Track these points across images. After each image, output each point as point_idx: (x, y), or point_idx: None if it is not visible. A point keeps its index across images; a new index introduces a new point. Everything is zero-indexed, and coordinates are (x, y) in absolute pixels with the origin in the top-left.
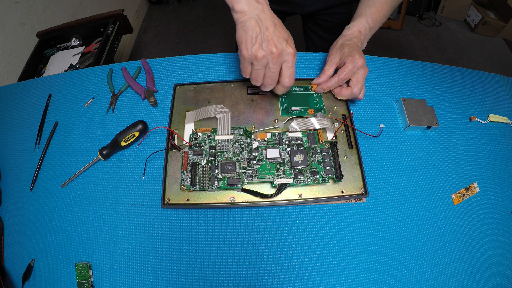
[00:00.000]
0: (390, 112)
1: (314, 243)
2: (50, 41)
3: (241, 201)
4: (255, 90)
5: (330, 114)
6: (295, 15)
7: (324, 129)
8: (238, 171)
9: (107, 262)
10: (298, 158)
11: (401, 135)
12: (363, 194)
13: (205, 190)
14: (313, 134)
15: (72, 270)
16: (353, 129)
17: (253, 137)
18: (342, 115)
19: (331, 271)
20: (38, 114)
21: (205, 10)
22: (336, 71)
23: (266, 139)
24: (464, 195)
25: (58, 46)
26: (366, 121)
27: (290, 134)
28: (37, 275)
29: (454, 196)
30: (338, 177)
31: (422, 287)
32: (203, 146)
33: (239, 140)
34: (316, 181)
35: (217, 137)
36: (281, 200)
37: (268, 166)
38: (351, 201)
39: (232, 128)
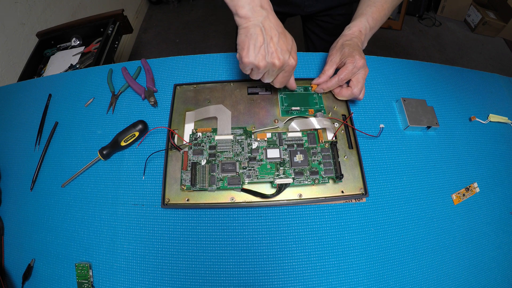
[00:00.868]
0: (390, 112)
1: (314, 243)
2: (50, 41)
3: (241, 201)
4: (255, 90)
5: (330, 114)
6: (295, 16)
7: (324, 129)
8: (238, 171)
9: (107, 262)
10: (298, 158)
11: (401, 135)
12: (363, 194)
13: (205, 190)
14: (313, 134)
15: (72, 270)
16: (353, 129)
17: (253, 137)
18: (342, 115)
19: (331, 271)
20: (38, 114)
21: (205, 10)
22: (336, 71)
23: (266, 139)
24: (464, 195)
25: (58, 46)
26: (366, 121)
27: (290, 134)
28: (37, 275)
29: (454, 196)
30: (338, 177)
31: (422, 287)
32: (203, 146)
33: (239, 140)
34: (316, 181)
35: (217, 137)
36: (281, 200)
37: (268, 166)
38: (351, 201)
39: (232, 128)
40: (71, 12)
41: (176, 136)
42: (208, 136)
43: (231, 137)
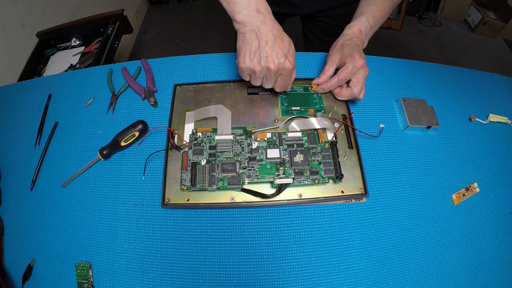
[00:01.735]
0: (390, 112)
1: (314, 243)
2: (50, 41)
3: (241, 201)
4: (255, 90)
5: (330, 114)
6: (294, 16)
7: (324, 129)
8: (238, 171)
9: (107, 262)
10: (298, 158)
11: (401, 135)
12: (363, 194)
13: (205, 190)
14: (313, 134)
15: (72, 270)
16: (353, 129)
17: (253, 137)
18: (342, 115)
19: (331, 271)
20: (38, 114)
21: (205, 10)
22: (336, 71)
23: (266, 139)
24: (464, 195)
25: (58, 46)
26: (366, 121)
27: (290, 134)
28: (37, 275)
29: (454, 196)
30: (338, 177)
31: (422, 287)
32: (203, 146)
33: (239, 140)
34: (316, 181)
35: (217, 137)
36: (281, 200)
37: (268, 166)
38: (351, 201)
39: (232, 128)
40: (71, 12)
41: (176, 136)
42: (208, 136)
43: (231, 137)
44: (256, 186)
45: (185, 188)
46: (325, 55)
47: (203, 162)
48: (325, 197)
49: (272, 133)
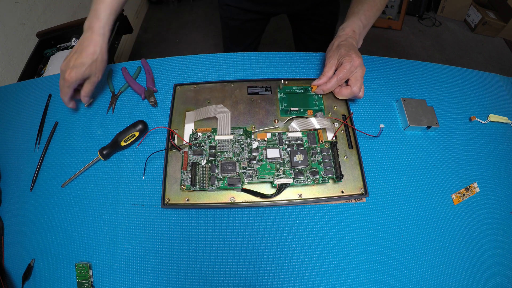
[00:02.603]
0: (390, 112)
1: (314, 243)
2: (50, 41)
3: (241, 201)
4: (255, 90)
5: (330, 114)
6: (279, 15)
7: (324, 129)
8: (238, 171)
9: (107, 262)
10: (298, 158)
11: (401, 135)
12: (363, 194)
13: (205, 190)
14: (313, 134)
15: (72, 270)
16: (353, 129)
17: (253, 137)
18: (342, 115)
19: (331, 271)
20: (38, 114)
21: (205, 10)
22: (335, 72)
23: (266, 139)
24: (464, 195)
25: (58, 46)
26: (366, 121)
27: (290, 134)
28: (37, 275)
29: (454, 196)
30: (338, 177)
31: (422, 287)
32: (203, 146)
33: (239, 140)
34: (316, 181)
35: (217, 137)
36: (281, 200)
37: (268, 166)
38: (351, 201)
39: (232, 128)
40: (71, 12)
41: (176, 136)
42: (208, 136)
43: (231, 137)
44: (256, 186)
45: (185, 188)
46: (322, 55)
47: (203, 162)
48: (325, 197)
49: (272, 133)
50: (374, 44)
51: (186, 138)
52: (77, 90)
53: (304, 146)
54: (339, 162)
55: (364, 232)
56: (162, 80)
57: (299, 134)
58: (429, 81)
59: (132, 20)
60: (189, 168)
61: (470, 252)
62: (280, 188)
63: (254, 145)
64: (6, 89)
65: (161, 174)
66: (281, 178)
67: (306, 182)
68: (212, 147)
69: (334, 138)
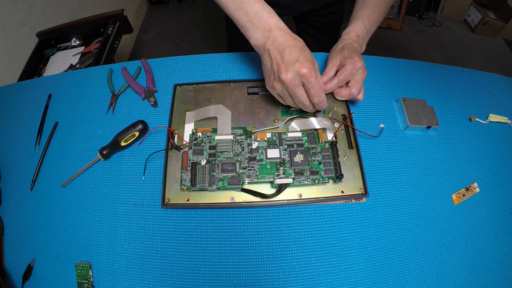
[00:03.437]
0: (390, 112)
1: (314, 243)
2: (50, 41)
3: (241, 201)
4: (255, 90)
5: (330, 114)
6: (284, 16)
7: (324, 129)
8: (238, 171)
9: (107, 262)
10: (298, 158)
11: (401, 135)
12: (363, 194)
13: (205, 190)
14: (313, 134)
15: (72, 270)
16: (353, 129)
17: (253, 137)
18: (342, 115)
19: (331, 271)
20: (38, 114)
21: (205, 10)
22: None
23: (266, 139)
24: (464, 195)
25: (58, 46)
26: (366, 121)
27: (290, 134)
28: (37, 275)
29: (454, 196)
30: (338, 177)
31: (422, 287)
32: (203, 146)
33: (239, 140)
34: (316, 181)
35: (217, 137)
36: (281, 200)
37: (268, 166)
38: (351, 201)
39: (232, 128)
40: (71, 12)
41: (176, 136)
42: (208, 136)
43: (231, 137)
44: (256, 186)
45: (185, 188)
46: (326, 55)
47: (203, 162)
48: (325, 197)
49: (272, 133)
50: (374, 44)
51: (186, 138)
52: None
53: (304, 146)
54: (339, 162)
55: (364, 232)
56: (162, 80)
57: (299, 134)
58: (429, 81)
59: (132, 20)
60: (189, 168)
61: (470, 252)
62: (280, 188)
63: (254, 145)
64: (6, 89)
65: (161, 174)
66: (281, 178)
67: (306, 182)
68: (212, 147)
69: (334, 138)
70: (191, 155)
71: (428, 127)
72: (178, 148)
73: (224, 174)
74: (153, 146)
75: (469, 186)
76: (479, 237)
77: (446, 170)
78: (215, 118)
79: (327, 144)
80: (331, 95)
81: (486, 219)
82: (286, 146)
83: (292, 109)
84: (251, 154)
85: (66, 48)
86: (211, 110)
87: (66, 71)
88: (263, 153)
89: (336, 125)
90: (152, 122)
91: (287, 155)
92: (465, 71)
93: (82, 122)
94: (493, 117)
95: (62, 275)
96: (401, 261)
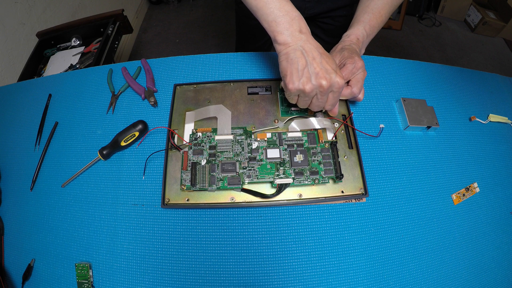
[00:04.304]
0: (390, 112)
1: (314, 243)
2: (50, 41)
3: (241, 201)
4: (255, 90)
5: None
6: None
7: (324, 129)
8: (238, 171)
9: (107, 262)
10: (298, 158)
11: (401, 135)
12: (363, 194)
13: (205, 190)
14: (313, 134)
15: (72, 270)
16: (353, 129)
17: (253, 137)
18: (342, 115)
19: (331, 271)
20: (38, 114)
21: (205, 10)
22: None
23: (266, 139)
24: (464, 195)
25: (58, 46)
26: (366, 121)
27: (290, 134)
28: (37, 275)
29: (454, 196)
30: (338, 177)
31: (422, 287)
32: (203, 146)
33: (239, 140)
34: (316, 181)
35: (217, 137)
36: (281, 200)
37: (268, 166)
38: (351, 201)
39: (232, 128)
40: (71, 12)
41: (176, 136)
42: (208, 136)
43: (231, 137)
44: (256, 186)
45: (185, 188)
46: None
47: (203, 162)
48: (325, 197)
49: (272, 133)
50: (374, 44)
51: (186, 138)
52: None
53: (304, 146)
54: (339, 162)
55: (364, 232)
56: (162, 80)
57: (299, 134)
58: (429, 81)
59: (132, 20)
60: (189, 168)
61: (470, 252)
62: (280, 188)
63: (254, 145)
64: (6, 89)
65: (161, 174)
66: (281, 178)
67: (306, 182)
68: (212, 147)
69: (334, 138)
70: (191, 155)
71: (428, 127)
72: (178, 148)
73: (224, 174)
74: (153, 146)
75: (469, 186)
76: (479, 237)
77: (446, 170)
78: (215, 118)
79: (327, 144)
80: None
81: (486, 219)
82: (286, 146)
83: (292, 109)
84: (251, 154)
85: (66, 48)
86: (211, 110)
87: (66, 71)
88: (263, 153)
89: (336, 125)
90: (152, 122)
91: (287, 155)
92: (465, 71)
93: (82, 122)
94: (493, 117)
95: (62, 275)
96: (401, 261)
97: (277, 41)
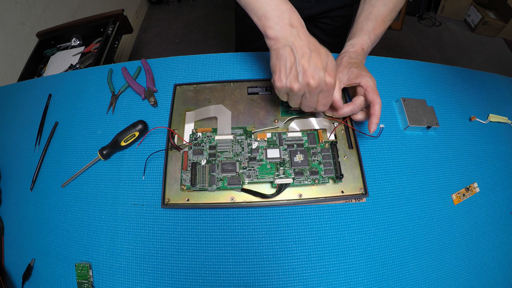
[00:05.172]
0: (390, 112)
1: (314, 243)
2: (50, 41)
3: (241, 201)
4: (255, 90)
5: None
6: None
7: (324, 129)
8: (238, 171)
9: (107, 262)
10: (298, 158)
11: (401, 135)
12: (363, 194)
13: (205, 190)
14: (313, 134)
15: (72, 270)
16: (353, 130)
17: (253, 137)
18: None
19: (331, 271)
20: (38, 114)
21: (205, 10)
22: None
23: (266, 139)
24: (464, 195)
25: (58, 46)
26: (366, 121)
27: (290, 134)
28: (37, 275)
29: (454, 196)
30: (338, 177)
31: (422, 287)
32: (203, 146)
33: (239, 140)
34: (316, 181)
35: (217, 137)
36: (281, 200)
37: (268, 166)
38: (351, 201)
39: (232, 128)
40: (71, 12)
41: (176, 136)
42: (208, 136)
43: (231, 137)
44: (256, 186)
45: (185, 188)
46: (334, 56)
47: (203, 162)
48: (325, 197)
49: (272, 133)
50: None
51: (186, 138)
52: None
53: (304, 146)
54: (339, 162)
55: (364, 232)
56: (162, 80)
57: (299, 134)
58: (429, 81)
59: (132, 20)
60: (189, 168)
61: (470, 252)
62: (280, 188)
63: (254, 145)
64: (6, 89)
65: (161, 174)
66: (281, 178)
67: (306, 182)
68: (212, 147)
69: (334, 138)
70: (191, 155)
71: (428, 127)
72: (178, 148)
73: (224, 174)
74: (153, 146)
75: (469, 186)
76: (479, 237)
77: (446, 170)
78: (215, 118)
79: (327, 144)
80: None
81: (486, 219)
82: (286, 146)
83: (292, 109)
84: (251, 154)
85: (66, 48)
86: (211, 110)
87: (66, 71)
88: (263, 153)
89: (336, 125)
90: (152, 122)
91: (287, 155)
92: (465, 71)
93: (82, 122)
94: (493, 117)
95: (62, 275)
96: (401, 261)
97: (267, 36)
